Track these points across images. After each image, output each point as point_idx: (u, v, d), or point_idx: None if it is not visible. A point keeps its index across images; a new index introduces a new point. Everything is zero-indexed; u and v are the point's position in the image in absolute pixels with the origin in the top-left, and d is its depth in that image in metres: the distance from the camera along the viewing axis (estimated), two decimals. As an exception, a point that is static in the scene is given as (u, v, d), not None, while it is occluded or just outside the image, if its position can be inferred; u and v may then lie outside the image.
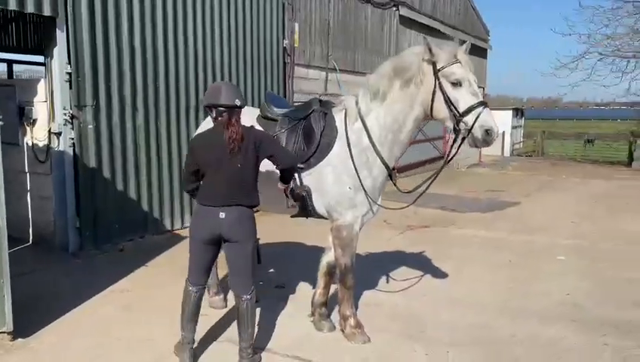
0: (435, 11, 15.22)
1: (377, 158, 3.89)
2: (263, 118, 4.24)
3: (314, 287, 4.51)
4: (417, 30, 14.57)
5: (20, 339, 4.03)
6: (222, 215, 3.42)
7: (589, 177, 15.07)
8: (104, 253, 6.49)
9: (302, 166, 3.94)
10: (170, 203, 7.55)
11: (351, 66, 11.70)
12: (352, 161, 3.86)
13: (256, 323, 3.78)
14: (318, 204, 4.05)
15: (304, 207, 4.05)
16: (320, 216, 4.16)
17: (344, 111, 4.00)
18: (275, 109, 4.19)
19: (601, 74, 24.12)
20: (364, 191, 3.91)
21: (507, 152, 22.50)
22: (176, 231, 7.61)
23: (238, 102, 3.45)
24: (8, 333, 3.96)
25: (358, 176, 3.86)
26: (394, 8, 13.22)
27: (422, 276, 5.59)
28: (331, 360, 3.78)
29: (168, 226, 7.57)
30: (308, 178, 4.00)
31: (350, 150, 3.87)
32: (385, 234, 7.46)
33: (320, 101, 4.14)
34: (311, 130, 3.98)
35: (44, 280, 5.42)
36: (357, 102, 3.96)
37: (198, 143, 3.60)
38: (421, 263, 6.03)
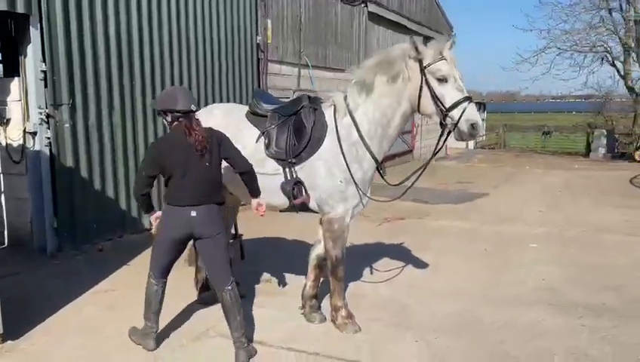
0: (402, 8, 15.45)
1: (367, 152, 4.01)
2: (252, 114, 4.29)
3: (303, 281, 4.60)
4: (385, 26, 14.80)
5: (9, 341, 3.99)
6: (193, 213, 3.59)
7: (550, 168, 15.65)
8: (83, 253, 6.41)
9: (293, 160, 4.03)
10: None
11: (322, 62, 11.79)
12: (343, 155, 3.97)
13: (244, 315, 3.84)
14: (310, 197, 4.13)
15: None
16: (310, 211, 4.25)
17: (333, 106, 4.10)
18: (265, 105, 4.26)
19: (560, 68, 24.99)
20: (356, 184, 4.02)
21: (471, 145, 23.07)
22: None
23: (193, 107, 3.66)
24: (-2, 336, 3.92)
25: (349, 170, 3.97)
26: (363, 5, 13.36)
27: (403, 266, 5.75)
28: (325, 350, 3.88)
29: (146, 225, 7.48)
30: (299, 172, 4.09)
31: (340, 144, 3.98)
32: (363, 226, 7.59)
33: (309, 97, 4.22)
34: (302, 126, 4.06)
35: (25, 283, 5.33)
36: (345, 98, 4.06)
37: (162, 147, 3.74)
38: (401, 254, 6.20)
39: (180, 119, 3.62)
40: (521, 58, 20.55)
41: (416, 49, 3.80)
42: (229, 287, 3.70)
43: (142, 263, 6.05)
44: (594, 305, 4.71)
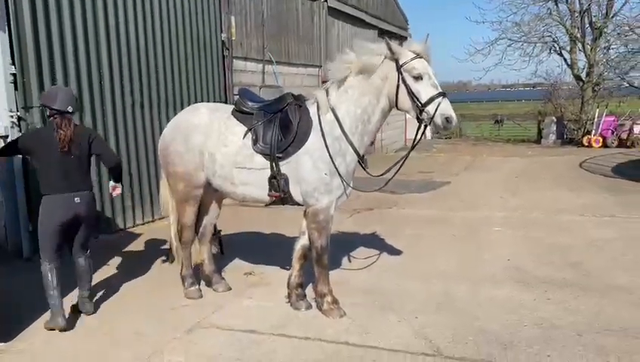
0: (360, 2, 15.74)
1: (349, 147, 4.23)
2: (238, 111, 4.46)
3: (285, 271, 4.81)
4: (345, 21, 15.06)
5: (1, 344, 4.03)
6: (77, 200, 4.23)
7: (506, 155, 16.35)
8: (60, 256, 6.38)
9: (280, 155, 4.22)
10: (121, 201, 7.49)
11: (285, 58, 11.94)
12: (327, 149, 4.18)
13: (234, 307, 4.01)
14: (296, 191, 4.34)
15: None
16: (295, 203, 4.45)
17: (316, 103, 4.30)
18: (250, 103, 4.43)
19: (511, 58, 25.99)
20: (340, 176, 4.24)
21: (429, 135, 23.67)
22: (129, 230, 7.59)
23: (70, 109, 4.22)
24: (-12, 340, 3.96)
25: (333, 163, 4.19)
26: (322, 0, 13.56)
27: (380, 253, 6.04)
28: (315, 334, 4.09)
29: (121, 225, 7.53)
30: (285, 166, 4.28)
31: (325, 139, 4.19)
32: (335, 218, 7.83)
33: (293, 95, 4.42)
34: (288, 122, 4.26)
35: (6, 287, 5.30)
36: (327, 95, 4.27)
37: (30, 138, 4.43)
38: (376, 242, 6.49)
39: (55, 116, 4.17)
40: (475, 49, 21.26)
41: (391, 49, 4.03)
42: (88, 253, 4.55)
43: (123, 262, 6.14)
44: (556, 280, 5.11)
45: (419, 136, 4.20)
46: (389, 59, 4.06)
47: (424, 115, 3.99)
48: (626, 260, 5.65)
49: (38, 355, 3.91)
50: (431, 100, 3.93)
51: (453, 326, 4.15)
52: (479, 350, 3.75)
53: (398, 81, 4.03)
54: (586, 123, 19.14)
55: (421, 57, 4.00)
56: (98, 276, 5.59)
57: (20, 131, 6.05)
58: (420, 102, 3.97)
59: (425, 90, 3.97)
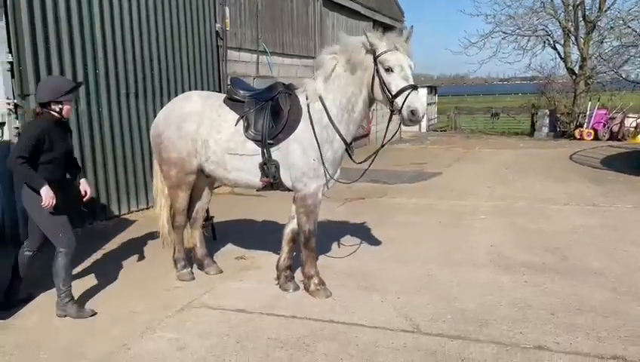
0: (355, -6, 15.84)
1: (336, 134, 4.40)
2: (230, 99, 4.62)
3: (275, 256, 4.99)
4: (339, 12, 15.16)
5: (0, 321, 4.20)
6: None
7: (498, 148, 16.54)
8: (56, 240, 6.55)
9: (271, 142, 4.39)
10: (116, 188, 7.66)
11: (280, 48, 12.06)
12: (315, 136, 4.34)
13: (224, 289, 4.17)
14: (285, 177, 4.51)
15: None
16: (286, 189, 4.62)
17: (305, 93, 4.46)
18: (241, 92, 4.59)
19: (505, 51, 26.15)
20: (323, 164, 4.40)
21: (424, 128, 23.87)
22: (124, 216, 7.75)
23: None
24: (-13, 317, 4.13)
25: (320, 150, 4.36)
26: (317, -9, 13.66)
27: (368, 240, 6.22)
28: (303, 313, 4.28)
29: (116, 211, 7.69)
30: (276, 153, 4.45)
31: (313, 127, 4.35)
32: (326, 207, 7.94)
33: (283, 84, 4.58)
34: (279, 109, 4.43)
35: (3, 269, 5.44)
36: (316, 86, 4.43)
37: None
38: (364, 229, 6.68)
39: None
40: (469, 42, 21.40)
41: (369, 41, 4.15)
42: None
43: (119, 247, 6.32)
44: (535, 264, 5.31)
45: (389, 128, 4.36)
46: (368, 51, 4.20)
47: (394, 106, 4.11)
48: (603, 246, 5.85)
49: (34, 331, 4.08)
50: (399, 92, 4.01)
51: (433, 306, 4.34)
52: (456, 327, 3.95)
53: (374, 72, 4.16)
54: (578, 116, 19.32)
55: (396, 50, 4.11)
56: (94, 260, 5.79)
57: (17, 119, 6.20)
58: (390, 94, 4.08)
59: (395, 82, 4.05)
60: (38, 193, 4.03)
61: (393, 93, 4.05)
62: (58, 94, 4.15)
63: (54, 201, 4.05)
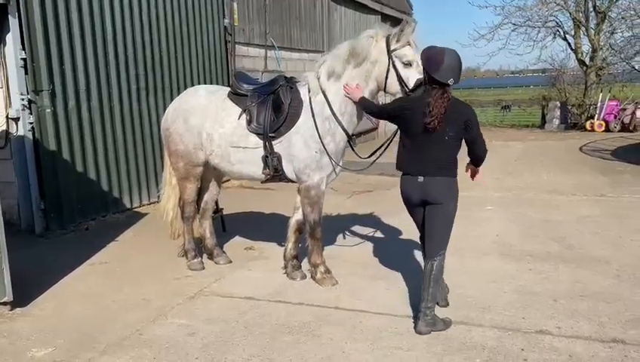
0: (363, -13, 15.85)
1: (338, 126, 4.48)
2: (234, 94, 4.72)
3: (282, 247, 5.09)
4: (347, 6, 15.19)
5: (18, 309, 4.36)
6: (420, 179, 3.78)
7: (508, 140, 16.48)
8: (71, 232, 6.73)
9: (272, 135, 4.49)
10: (127, 181, 7.81)
11: (288, 43, 12.13)
12: (317, 128, 4.43)
13: (235, 277, 4.27)
14: (288, 168, 4.62)
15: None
16: (289, 180, 4.72)
17: (307, 85, 4.55)
18: (245, 86, 4.70)
19: (515, 43, 25.97)
20: (328, 154, 4.50)
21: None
22: (136, 209, 7.90)
23: (451, 82, 3.58)
24: (7, 304, 4.28)
25: (322, 142, 4.45)
26: (325, -15, 13.71)
27: (375, 231, 6.31)
28: (310, 300, 4.39)
29: (127, 204, 7.84)
30: (278, 146, 4.55)
31: (314, 119, 4.44)
32: (334, 199, 8.10)
33: (285, 77, 4.67)
34: (280, 103, 4.52)
35: (21, 259, 5.58)
36: (318, 78, 4.51)
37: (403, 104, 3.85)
38: (372, 221, 6.76)
39: (434, 86, 3.62)
40: (478, 34, 21.31)
41: (384, 35, 4.25)
42: (435, 259, 3.79)
43: (129, 239, 6.46)
44: (540, 253, 5.37)
45: None
46: (381, 44, 4.28)
47: None
48: (608, 235, 5.89)
49: (51, 318, 4.23)
50: (418, 86, 4.13)
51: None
52: (459, 313, 4.03)
53: (389, 66, 4.25)
54: (589, 107, 19.17)
55: (410, 45, 4.21)
56: (107, 251, 5.93)
57: (31, 114, 6.36)
58: (408, 88, 4.19)
59: (413, 77, 4.18)
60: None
61: (411, 87, 4.16)
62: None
63: None
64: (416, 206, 3.93)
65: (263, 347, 3.64)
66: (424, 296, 3.74)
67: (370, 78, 4.39)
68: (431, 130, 3.59)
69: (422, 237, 4.06)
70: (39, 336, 3.92)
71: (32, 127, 6.41)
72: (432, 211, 3.84)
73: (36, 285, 4.82)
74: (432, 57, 3.61)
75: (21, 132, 6.37)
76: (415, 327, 3.76)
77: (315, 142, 4.48)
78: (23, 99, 6.28)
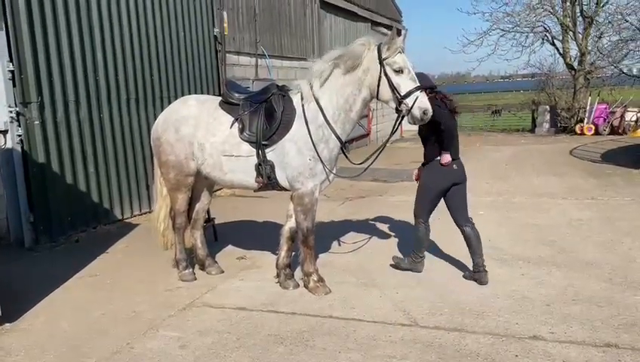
0: (352, -5, 15.94)
1: (332, 134, 4.48)
2: (225, 102, 4.71)
3: (275, 256, 5.06)
4: (336, 14, 15.25)
5: (7, 324, 4.29)
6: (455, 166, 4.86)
7: (499, 144, 16.58)
8: (61, 245, 6.66)
9: (265, 143, 4.48)
10: (118, 193, 7.75)
11: (278, 51, 12.15)
12: (310, 136, 4.43)
13: (224, 288, 4.24)
14: (282, 176, 4.60)
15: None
16: (282, 188, 4.71)
17: (300, 93, 4.55)
18: (236, 95, 4.69)
19: (504, 48, 26.20)
20: (321, 162, 4.49)
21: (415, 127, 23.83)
22: (127, 220, 7.84)
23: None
24: (-5, 320, 4.22)
25: (316, 149, 4.44)
26: (314, -7, 13.76)
27: (367, 237, 6.29)
28: (301, 310, 4.36)
29: (118, 216, 7.78)
30: (271, 153, 4.54)
31: (308, 127, 4.44)
32: (327, 206, 8.09)
33: (277, 86, 4.67)
34: (272, 111, 4.51)
35: (9, 272, 5.55)
36: (311, 86, 4.51)
37: None
38: (365, 227, 6.75)
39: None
40: (467, 40, 21.48)
41: (376, 44, 4.29)
42: (469, 225, 4.89)
43: (122, 250, 6.40)
44: (532, 257, 5.38)
45: (396, 127, 4.46)
46: (372, 53, 4.30)
47: (403, 107, 4.25)
48: (599, 238, 5.92)
49: (40, 333, 4.17)
50: (409, 93, 4.20)
51: (431, 300, 4.42)
52: (453, 320, 4.02)
53: (380, 74, 4.28)
54: (578, 111, 19.34)
55: (400, 52, 4.25)
56: (98, 263, 5.88)
57: (20, 126, 6.31)
58: (400, 94, 4.23)
59: (404, 84, 4.23)
60: None
61: (403, 94, 4.21)
62: None
63: None
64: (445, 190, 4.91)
65: (256, 358, 3.61)
66: (478, 253, 4.77)
67: (363, 86, 4.42)
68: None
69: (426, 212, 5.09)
70: (28, 352, 3.86)
71: (21, 140, 6.36)
72: (461, 188, 4.93)
73: (25, 299, 4.75)
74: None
75: (9, 144, 6.31)
76: (481, 280, 4.71)
77: (308, 149, 4.47)
78: (11, 112, 6.23)
